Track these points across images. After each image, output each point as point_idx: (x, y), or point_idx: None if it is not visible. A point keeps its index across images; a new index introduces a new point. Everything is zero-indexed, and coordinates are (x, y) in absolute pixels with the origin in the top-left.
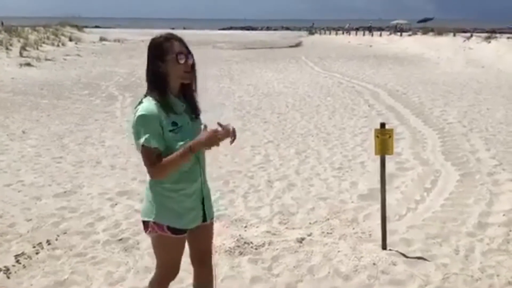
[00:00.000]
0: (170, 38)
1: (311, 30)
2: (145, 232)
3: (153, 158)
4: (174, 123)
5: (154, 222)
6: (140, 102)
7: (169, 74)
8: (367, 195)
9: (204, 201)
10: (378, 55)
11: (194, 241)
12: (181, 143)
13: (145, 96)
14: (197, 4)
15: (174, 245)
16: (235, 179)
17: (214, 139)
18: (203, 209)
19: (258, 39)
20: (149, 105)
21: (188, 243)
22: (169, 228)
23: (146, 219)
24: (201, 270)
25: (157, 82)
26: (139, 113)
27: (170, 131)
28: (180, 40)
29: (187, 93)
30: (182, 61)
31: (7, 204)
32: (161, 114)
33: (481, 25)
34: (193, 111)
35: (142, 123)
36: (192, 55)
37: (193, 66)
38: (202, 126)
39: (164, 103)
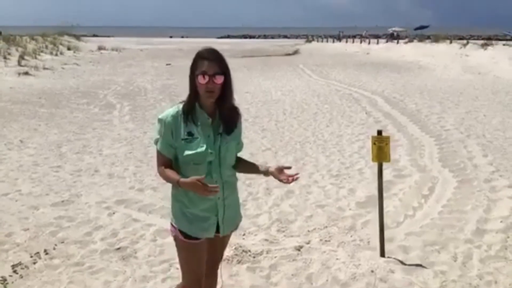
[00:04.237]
0: (203, 56)
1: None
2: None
3: (159, 159)
4: (190, 133)
5: (171, 224)
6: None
7: (197, 88)
8: (365, 202)
9: (218, 214)
10: (375, 63)
11: (208, 250)
12: (189, 152)
13: (183, 101)
14: (195, 12)
15: (189, 251)
16: None
17: (197, 189)
18: (217, 222)
19: (256, 47)
20: (171, 111)
21: None
22: (181, 232)
23: (170, 220)
24: (206, 275)
25: (190, 91)
26: (159, 115)
27: (183, 139)
28: (213, 59)
29: (220, 110)
30: (202, 82)
31: (5, 214)
32: (177, 122)
33: (477, 32)
34: (224, 127)
35: (158, 125)
36: (222, 77)
37: (223, 86)
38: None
39: (186, 112)
